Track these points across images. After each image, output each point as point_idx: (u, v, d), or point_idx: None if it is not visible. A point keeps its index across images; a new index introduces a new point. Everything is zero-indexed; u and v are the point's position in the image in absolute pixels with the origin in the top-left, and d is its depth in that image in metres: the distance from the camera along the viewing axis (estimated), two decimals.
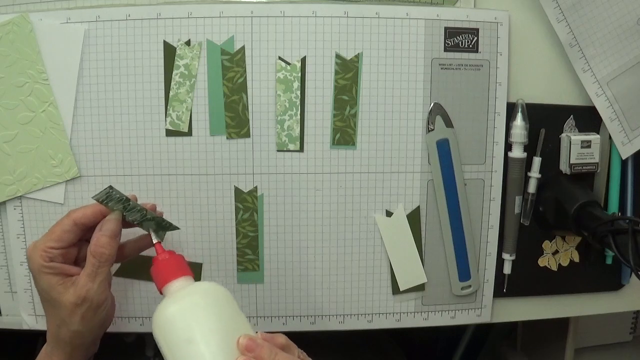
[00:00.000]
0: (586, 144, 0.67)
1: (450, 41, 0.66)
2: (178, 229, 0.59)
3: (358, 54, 0.66)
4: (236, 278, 0.68)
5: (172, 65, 0.64)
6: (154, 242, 0.55)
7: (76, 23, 0.63)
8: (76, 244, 0.56)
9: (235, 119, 0.66)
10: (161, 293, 0.53)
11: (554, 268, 0.72)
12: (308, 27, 0.65)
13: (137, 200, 0.56)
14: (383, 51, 0.66)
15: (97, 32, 0.63)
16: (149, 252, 0.66)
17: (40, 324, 0.67)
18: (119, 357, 0.79)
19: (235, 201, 0.67)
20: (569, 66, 0.68)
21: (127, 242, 0.58)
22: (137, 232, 0.59)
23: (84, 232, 0.55)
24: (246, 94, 0.65)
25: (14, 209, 0.66)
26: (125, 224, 0.56)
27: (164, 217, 0.59)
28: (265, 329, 0.68)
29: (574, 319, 0.91)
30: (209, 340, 0.47)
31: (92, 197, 0.54)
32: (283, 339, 0.50)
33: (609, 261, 0.74)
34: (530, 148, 0.68)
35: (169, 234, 0.59)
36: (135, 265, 0.66)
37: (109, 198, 0.54)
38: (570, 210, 0.65)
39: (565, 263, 0.73)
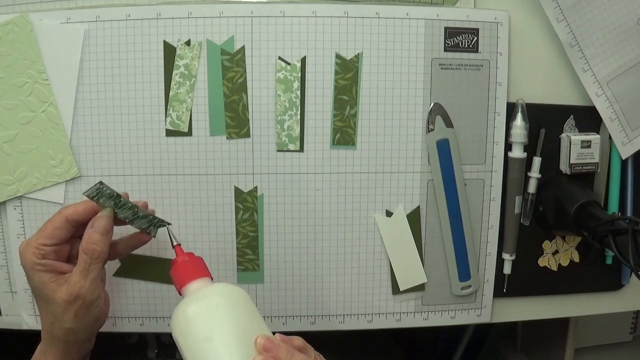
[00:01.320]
0: (586, 144, 0.67)
1: (450, 41, 0.66)
2: (169, 224, 0.59)
3: (358, 54, 0.66)
4: (236, 278, 0.68)
5: (172, 65, 0.64)
6: (174, 245, 0.55)
7: (76, 23, 0.63)
8: (68, 241, 0.55)
9: (235, 119, 0.66)
10: (180, 294, 0.53)
11: (554, 268, 0.72)
12: (308, 27, 0.65)
13: (128, 198, 0.56)
14: (383, 51, 0.66)
15: (97, 32, 0.63)
16: (151, 252, 0.66)
17: (40, 324, 0.67)
18: (121, 358, 0.79)
19: (235, 201, 0.67)
20: (569, 66, 0.68)
21: (120, 240, 0.58)
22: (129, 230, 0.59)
23: (76, 229, 0.55)
24: (246, 94, 0.65)
25: (14, 209, 0.66)
26: (117, 221, 0.56)
27: (155, 214, 0.58)
28: None
29: (574, 319, 0.91)
30: (226, 339, 0.47)
31: (83, 193, 0.54)
32: (300, 341, 0.50)
33: (609, 261, 0.74)
34: (530, 148, 0.68)
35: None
36: (136, 265, 0.66)
37: (100, 194, 0.54)
38: (570, 210, 0.65)
39: (565, 263, 0.73)
